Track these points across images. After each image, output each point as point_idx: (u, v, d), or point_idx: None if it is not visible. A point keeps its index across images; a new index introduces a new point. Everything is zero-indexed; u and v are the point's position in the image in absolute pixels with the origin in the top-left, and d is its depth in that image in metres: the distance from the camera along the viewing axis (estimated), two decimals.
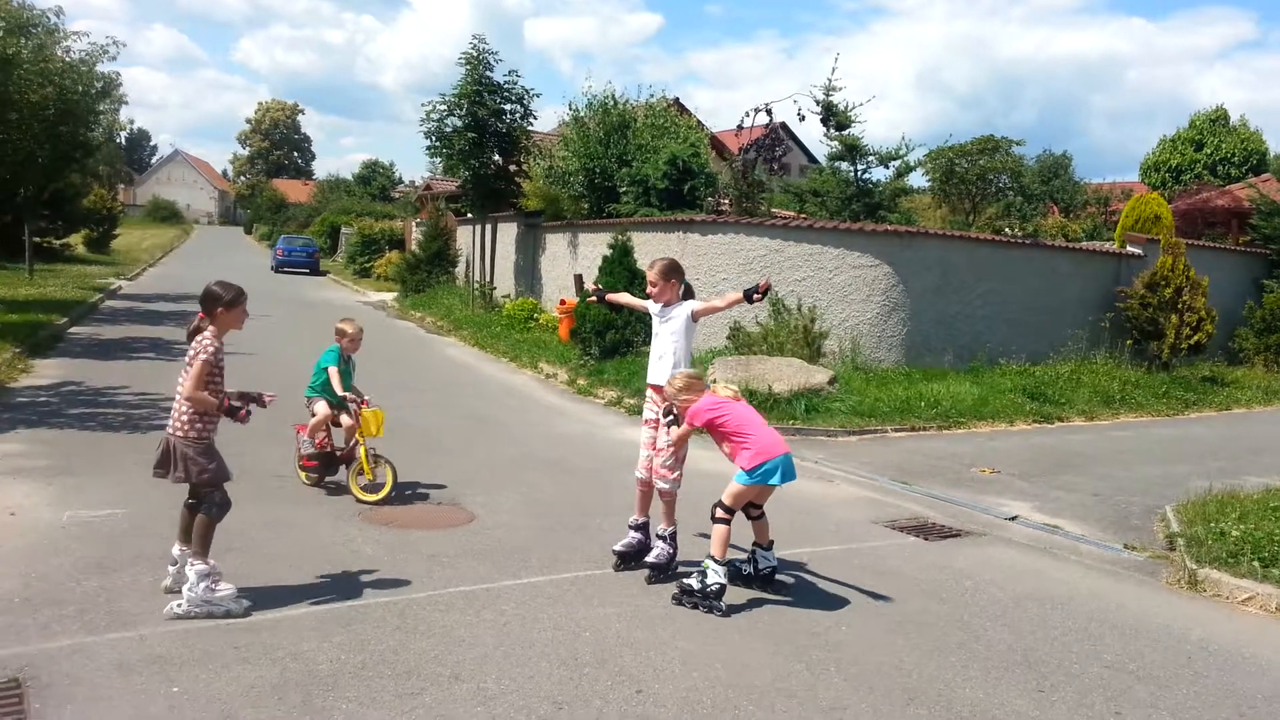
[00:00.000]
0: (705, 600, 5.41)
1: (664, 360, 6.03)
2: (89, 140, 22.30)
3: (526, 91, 22.09)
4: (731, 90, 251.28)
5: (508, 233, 23.77)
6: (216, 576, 4.93)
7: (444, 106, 21.73)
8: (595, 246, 18.11)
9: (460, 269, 27.07)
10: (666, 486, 5.92)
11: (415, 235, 33.54)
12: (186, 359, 4.96)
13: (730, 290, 6.00)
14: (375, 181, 75.28)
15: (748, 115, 18.53)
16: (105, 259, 36.96)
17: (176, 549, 5.15)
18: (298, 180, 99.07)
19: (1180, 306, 15.77)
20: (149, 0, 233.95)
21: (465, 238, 27.04)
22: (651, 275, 6.11)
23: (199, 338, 4.97)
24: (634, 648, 4.83)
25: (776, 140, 19.16)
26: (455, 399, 12.48)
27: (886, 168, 19.43)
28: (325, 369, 7.50)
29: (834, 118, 18.36)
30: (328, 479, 7.58)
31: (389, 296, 28.82)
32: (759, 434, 5.55)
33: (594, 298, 6.99)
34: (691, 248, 15.32)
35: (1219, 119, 41.14)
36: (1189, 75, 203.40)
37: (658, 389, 5.99)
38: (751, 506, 5.73)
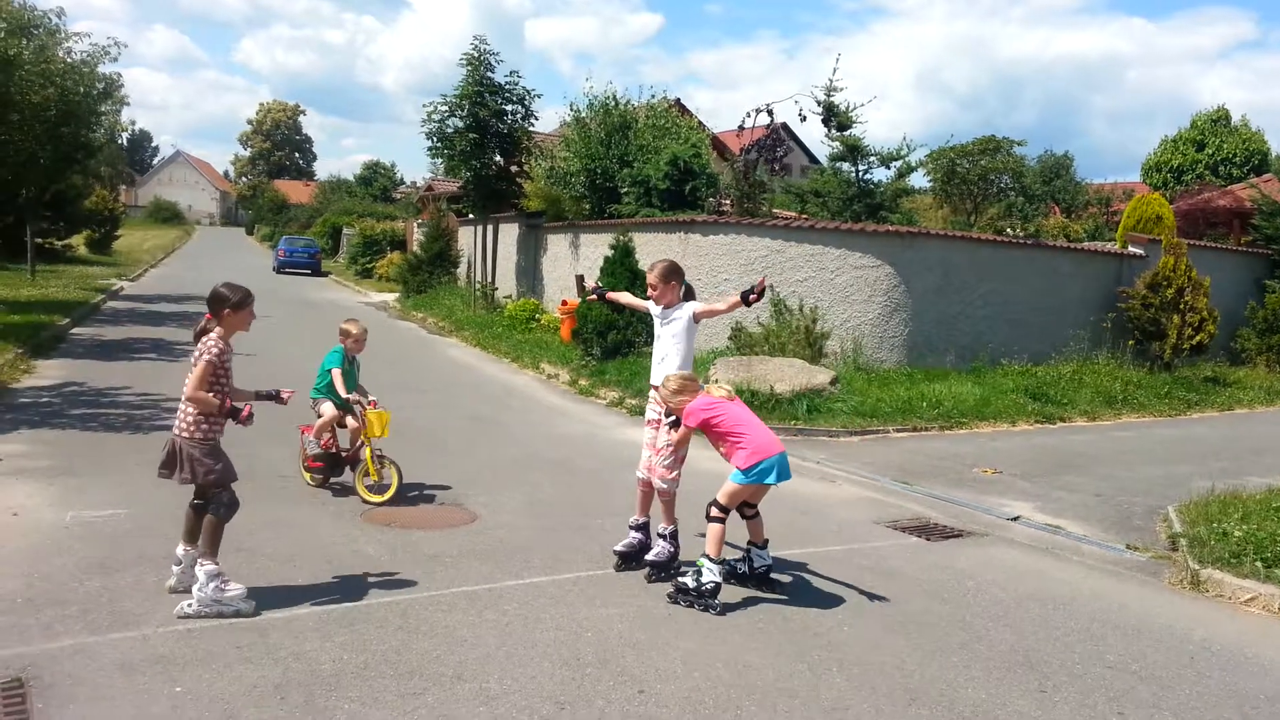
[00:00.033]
0: (700, 599, 5.42)
1: (666, 362, 6.03)
2: (91, 141, 22.30)
3: (528, 92, 22.14)
4: (732, 91, 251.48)
5: (509, 233, 23.77)
6: (226, 577, 4.94)
7: (445, 107, 21.77)
8: (597, 247, 18.12)
9: (462, 270, 27.08)
10: (665, 486, 5.92)
11: (417, 236, 33.56)
12: (192, 359, 4.97)
13: (732, 292, 6.01)
14: (377, 182, 75.40)
15: (749, 116, 18.54)
16: (107, 260, 37.00)
17: (181, 549, 5.16)
18: (299, 181, 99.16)
19: (1182, 307, 15.77)
20: (150, 1, 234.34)
21: (467, 238, 27.05)
22: (651, 278, 6.11)
23: (204, 339, 4.97)
24: (636, 648, 4.83)
25: (778, 141, 19.15)
26: (457, 399, 12.49)
27: (888, 168, 19.47)
28: (329, 370, 7.49)
29: (835, 118, 18.37)
30: (333, 480, 7.58)
31: (391, 297, 28.84)
32: (754, 433, 5.56)
33: (594, 296, 7.00)
34: (693, 248, 15.33)
35: (1220, 119, 41.15)
36: (1190, 75, 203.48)
37: None
38: (746, 506, 5.75)
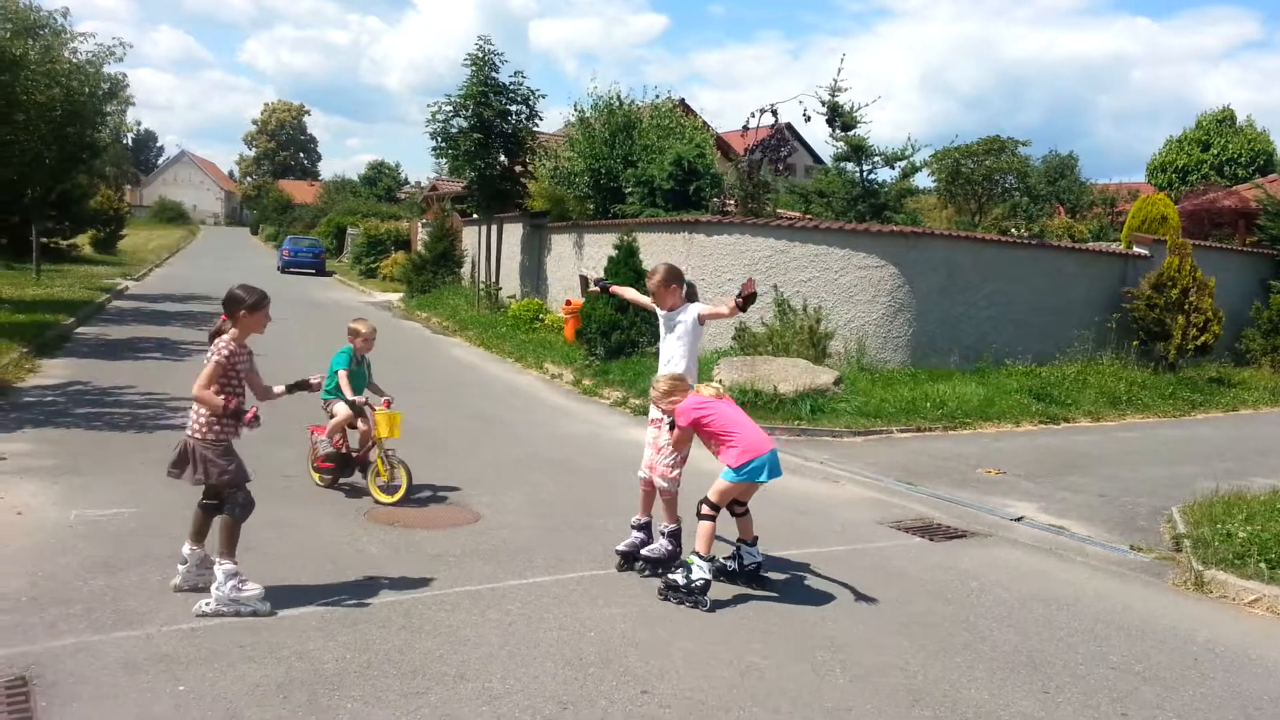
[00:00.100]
0: (690, 596, 5.45)
1: (672, 364, 6.04)
2: (96, 141, 22.34)
3: (532, 92, 22.17)
4: (736, 91, 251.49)
5: (513, 233, 23.79)
6: (243, 576, 4.96)
7: (449, 107, 21.80)
8: (601, 247, 18.12)
9: (466, 269, 27.10)
10: (666, 485, 5.93)
11: (421, 236, 33.59)
12: (205, 360, 4.99)
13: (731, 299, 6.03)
14: (381, 182, 75.46)
15: (753, 116, 18.53)
16: (112, 259, 37.06)
17: (187, 548, 5.17)
18: (304, 181, 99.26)
19: (1187, 307, 15.74)
20: (155, 1, 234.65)
21: (471, 238, 27.07)
22: (652, 285, 6.13)
23: (217, 340, 4.99)
24: (639, 648, 4.83)
25: (782, 141, 19.16)
26: (461, 399, 12.50)
27: (892, 168, 19.46)
28: (336, 372, 7.47)
29: (839, 118, 18.36)
30: (342, 481, 7.58)
31: (395, 297, 28.86)
32: (744, 432, 5.57)
33: (597, 289, 7.02)
34: (697, 248, 15.32)
35: (1225, 119, 41.03)
36: (1194, 75, 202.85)
37: None
38: (736, 503, 5.77)
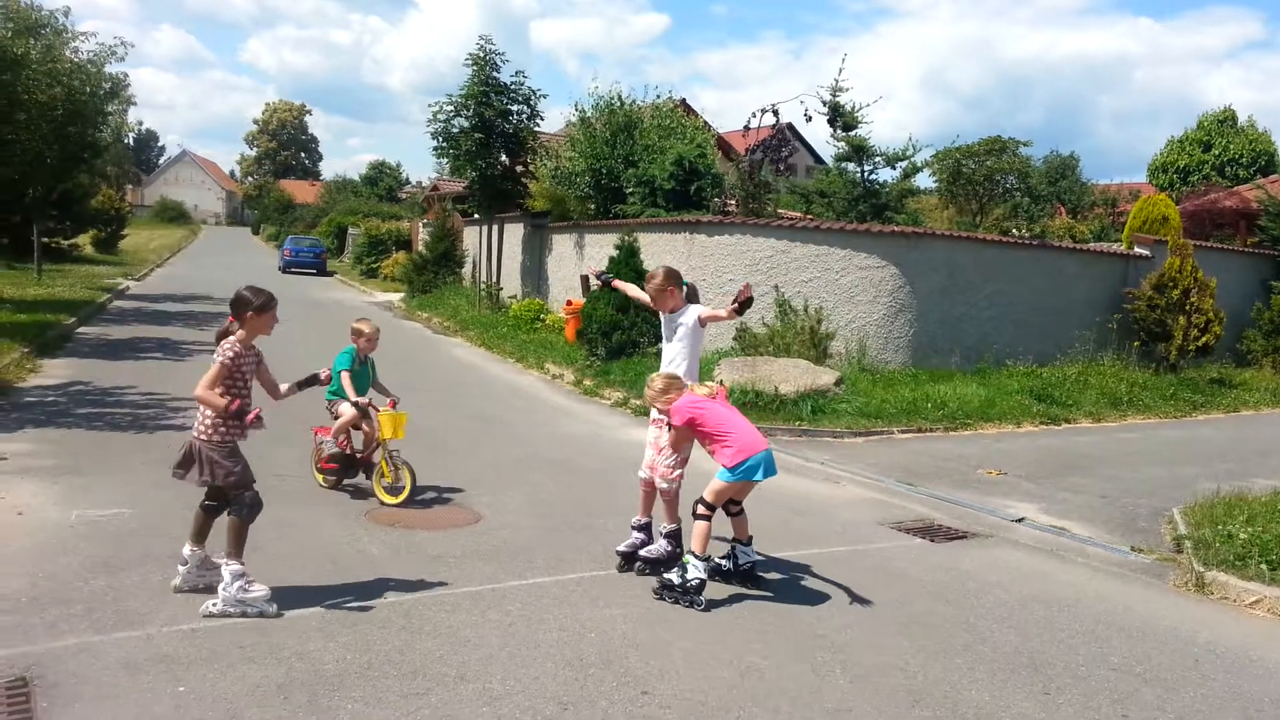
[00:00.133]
0: (685, 595, 5.46)
1: (674, 365, 6.05)
2: (97, 141, 22.36)
3: (533, 92, 22.17)
4: (738, 91, 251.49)
5: (514, 233, 23.79)
6: (250, 577, 4.96)
7: (451, 107, 21.81)
8: (602, 247, 18.12)
9: (467, 270, 27.11)
10: (666, 486, 5.93)
11: (422, 236, 33.58)
12: (212, 360, 5.00)
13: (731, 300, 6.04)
14: (382, 182, 75.44)
15: (754, 116, 18.52)
16: (113, 259, 37.07)
17: (187, 549, 5.17)
18: (305, 181, 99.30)
19: (1188, 308, 15.73)
20: (156, 1, 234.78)
21: (472, 238, 27.07)
22: (651, 288, 6.14)
23: (223, 342, 4.99)
24: (639, 649, 4.83)
25: (783, 141, 19.15)
26: (461, 399, 12.50)
27: (893, 168, 19.43)
28: (340, 373, 7.45)
29: (840, 118, 18.35)
30: (346, 481, 7.58)
31: (396, 297, 28.87)
32: (739, 431, 5.58)
33: (600, 282, 7.04)
34: (698, 249, 15.32)
35: (1227, 120, 41.00)
36: (1196, 75, 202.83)
37: None
38: (731, 503, 5.77)
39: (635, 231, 16.02)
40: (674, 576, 5.53)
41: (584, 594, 5.56)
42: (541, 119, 22.72)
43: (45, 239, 28.51)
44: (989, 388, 13.38)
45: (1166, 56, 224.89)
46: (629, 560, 6.03)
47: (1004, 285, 15.67)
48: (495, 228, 23.62)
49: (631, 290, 6.92)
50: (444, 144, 22.22)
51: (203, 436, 4.94)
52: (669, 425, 5.78)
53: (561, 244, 21.19)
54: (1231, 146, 39.51)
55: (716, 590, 5.71)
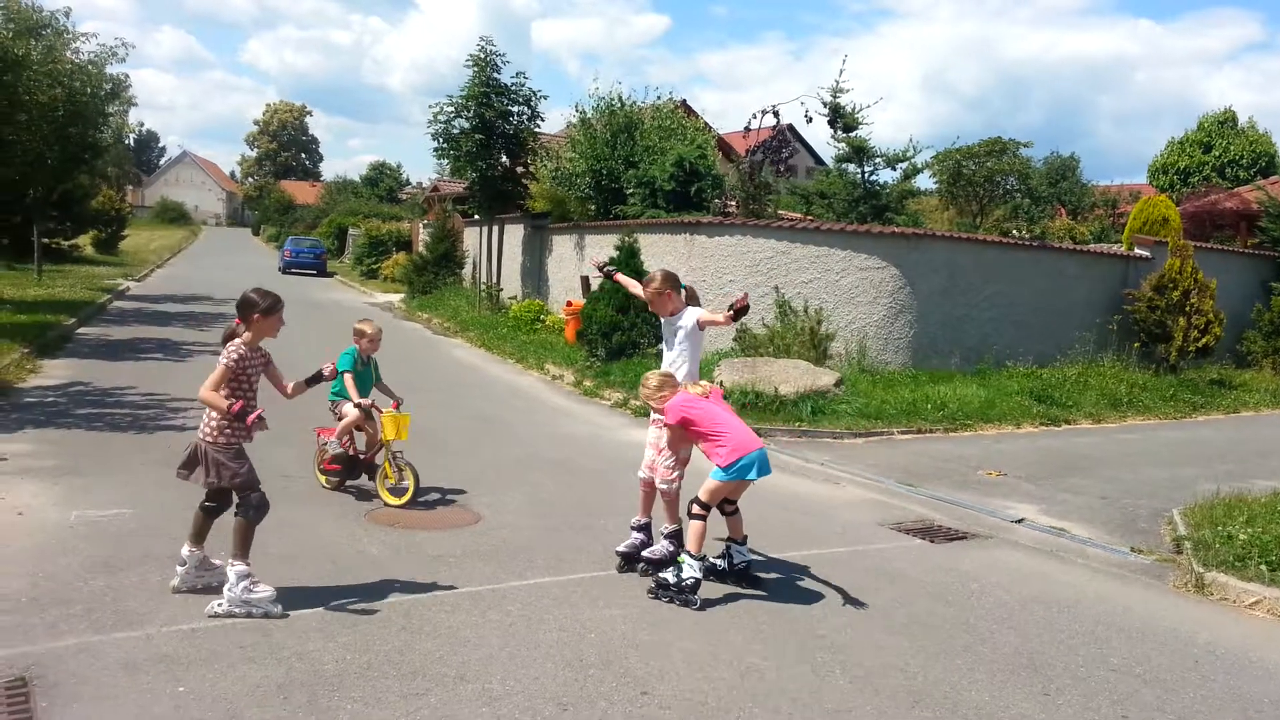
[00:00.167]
0: (680, 594, 5.47)
1: (675, 367, 6.06)
2: (98, 142, 22.37)
3: (534, 93, 22.18)
4: (738, 92, 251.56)
5: (514, 234, 23.80)
6: (256, 578, 4.97)
7: (451, 108, 21.81)
8: (602, 248, 18.11)
9: (467, 270, 27.11)
10: (665, 487, 5.93)
11: (422, 237, 33.59)
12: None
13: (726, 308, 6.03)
14: (382, 183, 75.47)
15: (755, 117, 18.54)
16: (113, 260, 37.08)
17: (186, 550, 5.17)
18: (305, 182, 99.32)
19: (1188, 309, 15.74)
20: (157, 2, 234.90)
21: (472, 239, 27.07)
22: (649, 292, 6.13)
23: (229, 344, 5.00)
24: (639, 649, 4.83)
25: (783, 142, 19.17)
26: (461, 400, 12.50)
27: (894, 169, 19.44)
28: (342, 374, 7.44)
29: (841, 119, 18.35)
30: (349, 483, 7.57)
31: (396, 298, 28.87)
32: (732, 431, 5.59)
33: (603, 272, 7.06)
34: (698, 249, 15.33)
35: (1227, 121, 41.02)
36: (1197, 77, 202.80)
37: None
38: (726, 502, 5.79)
39: (635, 232, 16.02)
40: (669, 576, 5.55)
41: (584, 594, 5.56)
42: (542, 120, 22.77)
43: (45, 239, 28.52)
44: (989, 389, 13.38)
45: (1167, 58, 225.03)
46: (629, 561, 6.03)
47: (1004, 286, 15.67)
48: (495, 229, 23.63)
49: (633, 286, 6.92)
50: (444, 145, 22.24)
51: (208, 438, 4.95)
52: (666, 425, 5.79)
53: (562, 245, 21.19)
54: (1232, 148, 39.53)
55: (714, 590, 5.72)
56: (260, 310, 5.05)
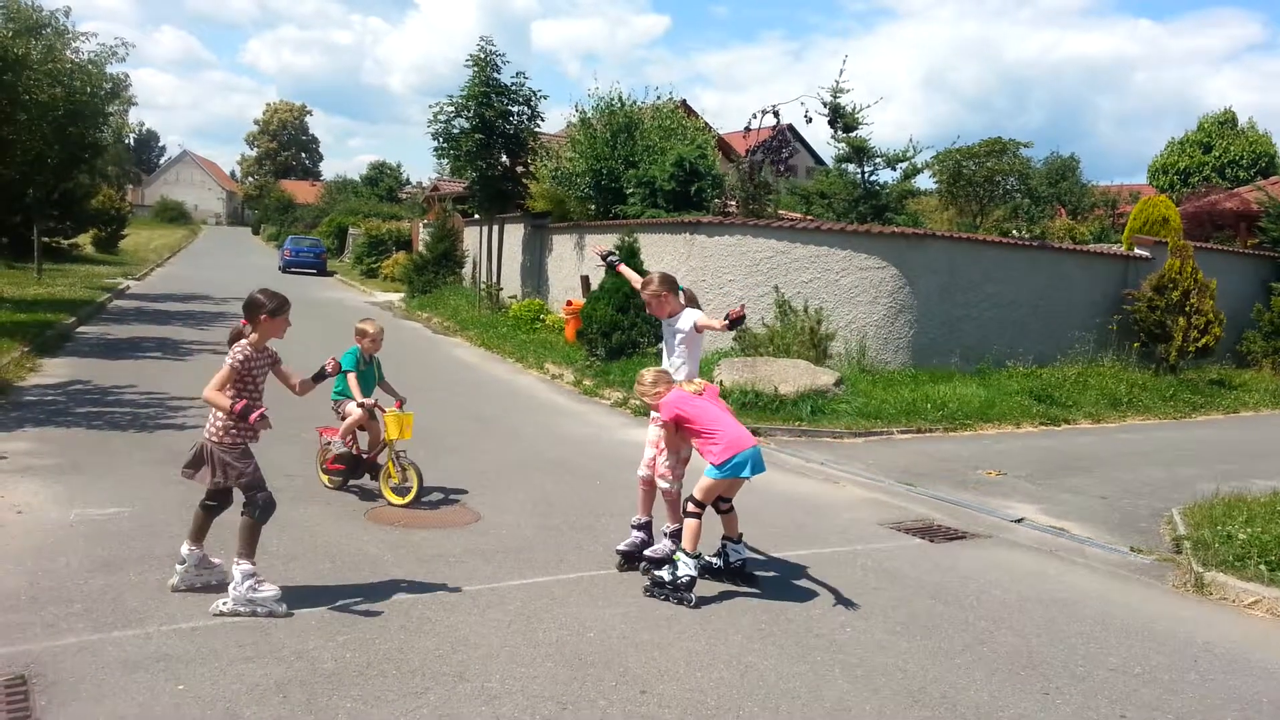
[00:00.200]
0: (676, 592, 5.48)
1: (674, 367, 6.07)
2: (98, 141, 22.37)
3: (534, 93, 22.18)
4: (738, 92, 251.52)
5: (514, 234, 23.80)
6: (260, 577, 4.97)
7: (451, 108, 21.81)
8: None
9: (467, 270, 27.11)
10: (667, 486, 5.94)
11: (422, 236, 33.61)
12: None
13: (732, 306, 5.99)
14: (382, 183, 75.42)
15: (755, 117, 18.53)
16: (113, 259, 37.08)
17: (186, 548, 5.17)
18: (305, 181, 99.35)
19: (1188, 309, 15.74)
20: (157, 1, 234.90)
21: (472, 239, 27.08)
22: (646, 295, 6.14)
23: (234, 345, 5.00)
24: (639, 648, 4.83)
25: (783, 142, 19.16)
26: (461, 399, 12.49)
27: (893, 169, 19.44)
28: (345, 374, 7.43)
29: (841, 119, 18.35)
30: (351, 483, 7.56)
31: (396, 297, 28.87)
32: (726, 428, 5.59)
33: (605, 261, 7.09)
34: (698, 249, 15.33)
35: (1227, 121, 41.03)
36: (1197, 77, 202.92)
37: None
38: (721, 500, 5.79)
39: (635, 232, 16.02)
40: (665, 574, 5.56)
41: (584, 593, 5.56)
42: (542, 120, 22.76)
43: (45, 239, 28.52)
44: (989, 388, 13.38)
45: (1167, 58, 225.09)
46: (629, 560, 6.03)
47: (1004, 286, 15.68)
48: (495, 228, 23.63)
49: (635, 279, 6.93)
50: (444, 145, 22.23)
51: (214, 438, 4.95)
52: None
53: (561, 244, 21.19)
54: (1232, 148, 39.54)
55: (713, 589, 5.73)
56: (267, 311, 5.04)
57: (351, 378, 7.38)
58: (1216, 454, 11.17)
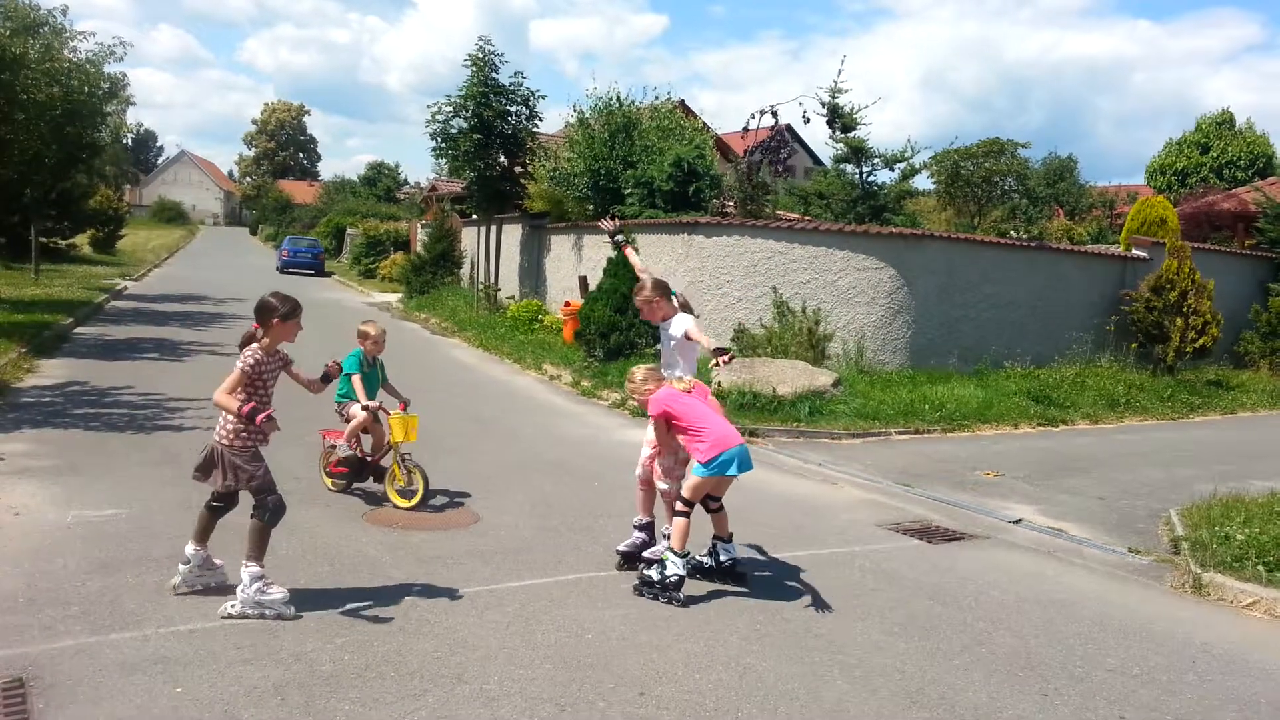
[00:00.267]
0: (664, 591, 5.50)
1: (672, 370, 6.06)
2: (95, 141, 22.34)
3: (532, 93, 22.18)
4: (736, 92, 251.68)
5: (512, 234, 23.79)
6: (269, 579, 4.97)
7: (449, 108, 21.80)
8: (600, 248, 18.13)
9: (465, 270, 27.10)
10: (666, 487, 5.94)
11: (420, 236, 33.59)
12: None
13: (712, 340, 5.90)
14: (380, 183, 75.41)
15: (753, 117, 18.52)
16: (111, 259, 37.03)
17: (191, 548, 5.16)
18: (303, 181, 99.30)
19: (1185, 310, 15.76)
20: (155, 0, 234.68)
21: (470, 239, 27.06)
22: (638, 301, 6.16)
23: (245, 349, 4.99)
24: (637, 649, 4.83)
25: (781, 142, 19.15)
26: (459, 400, 12.49)
27: (892, 170, 19.46)
28: (349, 376, 7.39)
29: (839, 120, 18.37)
30: (355, 486, 7.56)
31: (394, 298, 28.85)
32: (713, 426, 5.60)
33: (612, 240, 7.15)
34: (696, 250, 15.33)
35: (1225, 122, 41.06)
36: (1195, 78, 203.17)
37: None
38: (710, 499, 5.80)
39: (634, 232, 16.01)
40: (653, 573, 5.58)
41: (582, 595, 5.56)
42: (540, 120, 22.76)
43: (43, 239, 28.45)
44: (987, 389, 13.39)
45: (1165, 59, 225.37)
46: (629, 560, 6.03)
47: (1002, 287, 15.69)
48: (493, 228, 23.62)
49: (638, 265, 6.94)
50: (442, 145, 22.23)
51: (224, 441, 4.95)
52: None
53: (559, 245, 21.19)
54: (1229, 149, 39.58)
55: (713, 591, 5.73)
56: (280, 315, 5.05)
57: (356, 380, 7.36)
58: (1214, 454, 11.18)
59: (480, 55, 21.57)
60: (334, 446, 7.46)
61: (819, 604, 5.69)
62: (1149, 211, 18.33)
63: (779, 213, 19.76)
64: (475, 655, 4.63)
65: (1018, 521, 7.95)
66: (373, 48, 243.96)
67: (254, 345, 5.01)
